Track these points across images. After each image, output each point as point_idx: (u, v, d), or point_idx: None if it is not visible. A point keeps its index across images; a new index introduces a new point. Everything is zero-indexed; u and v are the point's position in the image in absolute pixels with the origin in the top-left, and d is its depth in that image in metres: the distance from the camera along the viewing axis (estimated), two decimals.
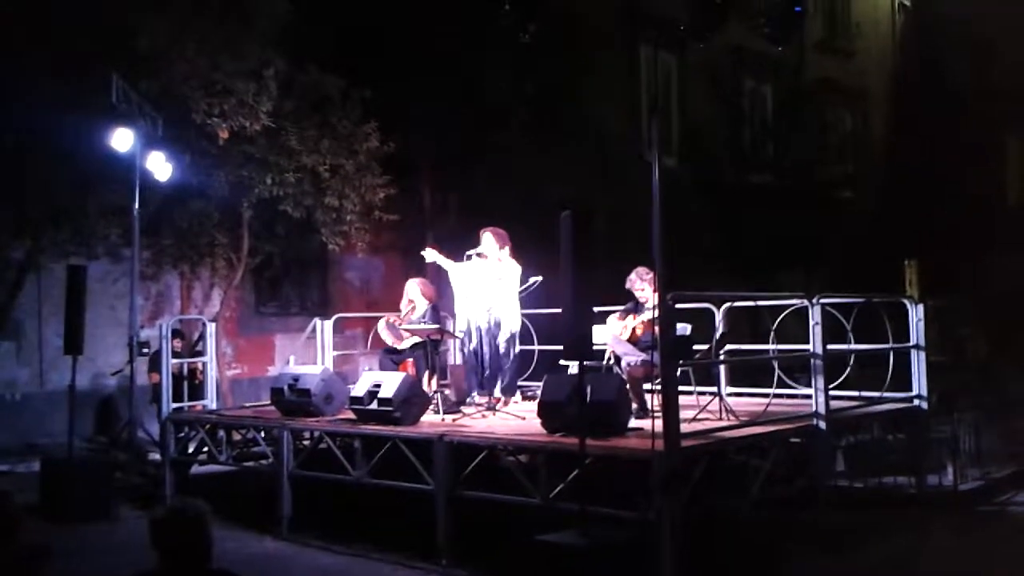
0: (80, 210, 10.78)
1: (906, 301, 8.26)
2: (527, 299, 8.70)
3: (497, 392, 8.41)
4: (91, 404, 11.83)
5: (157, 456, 9.59)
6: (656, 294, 6.81)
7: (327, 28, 12.03)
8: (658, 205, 5.74)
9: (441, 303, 9.25)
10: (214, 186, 10.95)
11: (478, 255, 8.54)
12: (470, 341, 8.54)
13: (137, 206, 9.74)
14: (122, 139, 9.48)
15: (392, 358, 9.10)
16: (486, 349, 8.43)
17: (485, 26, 12.49)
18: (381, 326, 9.12)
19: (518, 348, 8.69)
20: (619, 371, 7.64)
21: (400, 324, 8.97)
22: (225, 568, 3.27)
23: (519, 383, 8.86)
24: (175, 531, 3.14)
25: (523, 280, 8.63)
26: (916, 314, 8.04)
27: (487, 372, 8.40)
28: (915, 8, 23.44)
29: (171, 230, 11.68)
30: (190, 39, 10.13)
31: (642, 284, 7.72)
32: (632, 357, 7.57)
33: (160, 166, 9.90)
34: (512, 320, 8.55)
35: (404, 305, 9.13)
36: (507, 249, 8.54)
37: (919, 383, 8.00)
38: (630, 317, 7.79)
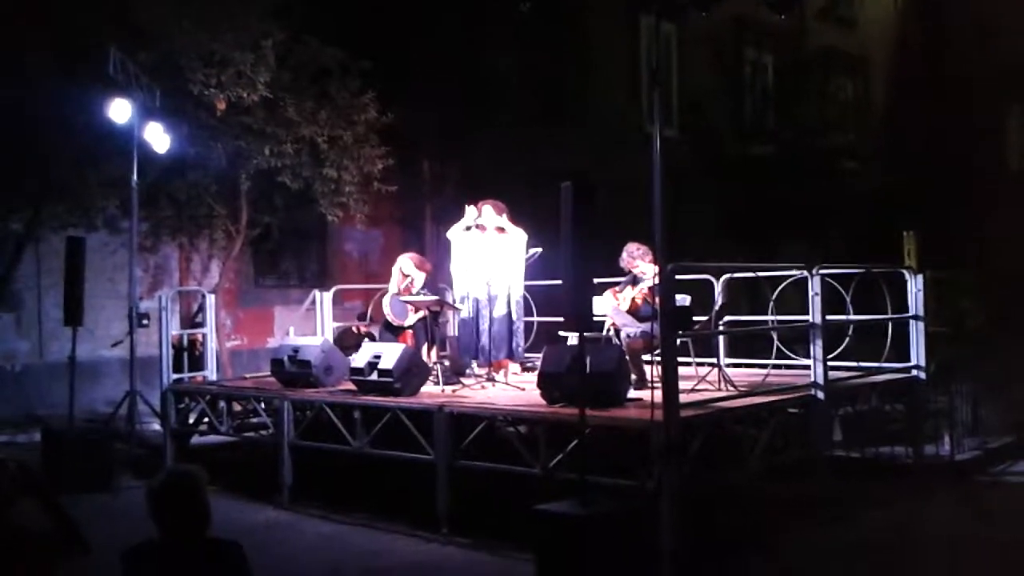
0: (79, 182, 10.74)
1: (905, 272, 8.25)
2: (527, 271, 8.69)
3: (511, 356, 8.41)
4: (91, 375, 11.85)
5: (157, 427, 9.64)
6: (655, 265, 6.82)
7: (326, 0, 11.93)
8: (658, 176, 5.72)
9: (439, 275, 9.24)
10: (212, 157, 10.91)
11: (477, 227, 8.53)
12: (465, 312, 8.53)
13: (135, 177, 9.70)
14: (120, 110, 9.42)
15: (392, 332, 9.10)
16: (482, 321, 8.43)
17: None
18: (385, 301, 9.08)
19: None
20: (619, 342, 7.65)
21: (400, 297, 8.93)
22: (224, 537, 3.27)
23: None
24: (172, 499, 3.13)
25: (524, 250, 8.62)
26: (915, 284, 8.03)
27: (482, 342, 8.40)
28: None
29: (169, 201, 11.65)
30: (188, 13, 10.06)
31: (634, 260, 7.72)
32: (632, 328, 7.58)
33: (158, 137, 9.85)
34: (518, 287, 8.55)
35: (398, 282, 9.05)
36: (506, 217, 8.52)
37: (917, 354, 8.01)
38: (628, 288, 7.79)
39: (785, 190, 16.39)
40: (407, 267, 9.02)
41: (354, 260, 14.77)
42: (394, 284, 9.03)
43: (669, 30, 17.27)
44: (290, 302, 13.67)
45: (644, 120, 15.61)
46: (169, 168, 10.88)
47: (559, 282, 6.18)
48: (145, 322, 9.98)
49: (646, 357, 7.42)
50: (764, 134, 18.66)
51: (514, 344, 8.52)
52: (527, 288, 8.88)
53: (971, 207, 17.91)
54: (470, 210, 8.60)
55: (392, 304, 8.90)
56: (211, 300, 9.73)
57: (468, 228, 8.53)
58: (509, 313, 8.48)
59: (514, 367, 8.80)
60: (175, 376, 9.21)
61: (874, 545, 6.40)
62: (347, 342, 10.31)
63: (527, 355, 8.94)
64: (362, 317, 11.60)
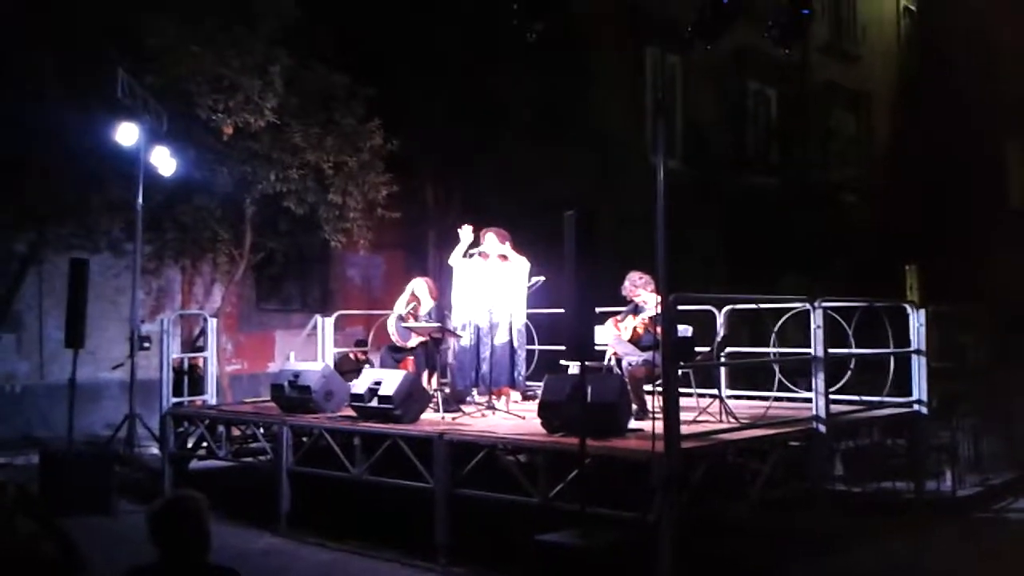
0: (83, 204, 10.80)
1: (907, 306, 8.26)
2: (529, 299, 8.70)
3: (512, 384, 8.42)
4: (91, 398, 11.83)
5: (156, 450, 9.60)
6: (657, 295, 6.83)
7: (333, 26, 12.03)
8: (661, 206, 5.75)
9: (442, 302, 9.26)
10: (217, 182, 10.97)
11: (479, 254, 8.54)
12: (466, 339, 8.52)
13: (140, 200, 9.74)
14: (127, 134, 9.50)
15: (394, 355, 9.11)
16: (483, 348, 8.42)
17: (490, 25, 12.48)
18: (391, 322, 9.10)
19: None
20: (620, 372, 7.64)
21: (406, 322, 8.95)
22: (224, 564, 3.26)
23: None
24: (173, 524, 3.13)
25: (527, 278, 8.63)
26: (917, 319, 8.03)
27: (482, 370, 8.39)
28: (920, 13, 23.42)
29: (174, 225, 11.68)
30: (196, 39, 10.16)
31: (636, 288, 7.73)
32: (633, 357, 7.58)
33: (164, 161, 9.91)
34: (520, 315, 8.56)
35: (405, 303, 9.10)
36: (509, 245, 8.54)
37: (919, 388, 8.00)
38: (629, 318, 7.79)
39: (787, 222, 16.43)
40: (420, 290, 9.04)
41: (357, 286, 14.80)
42: (401, 305, 9.04)
43: (674, 61, 17.40)
44: (292, 327, 13.68)
45: (648, 150, 15.69)
46: (174, 192, 10.94)
47: (561, 310, 6.19)
48: (146, 345, 9.99)
49: (647, 387, 7.41)
50: (767, 166, 18.74)
51: (515, 372, 8.52)
52: (529, 316, 8.88)
53: (972, 242, 17.96)
54: (465, 232, 8.62)
55: (397, 326, 8.94)
56: (213, 324, 9.73)
57: (470, 255, 8.54)
58: (511, 341, 8.47)
59: (515, 395, 8.78)
60: (175, 400, 9.19)
61: None
62: (345, 367, 10.32)
63: (528, 383, 8.93)
64: (360, 343, 11.62)
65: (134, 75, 9.40)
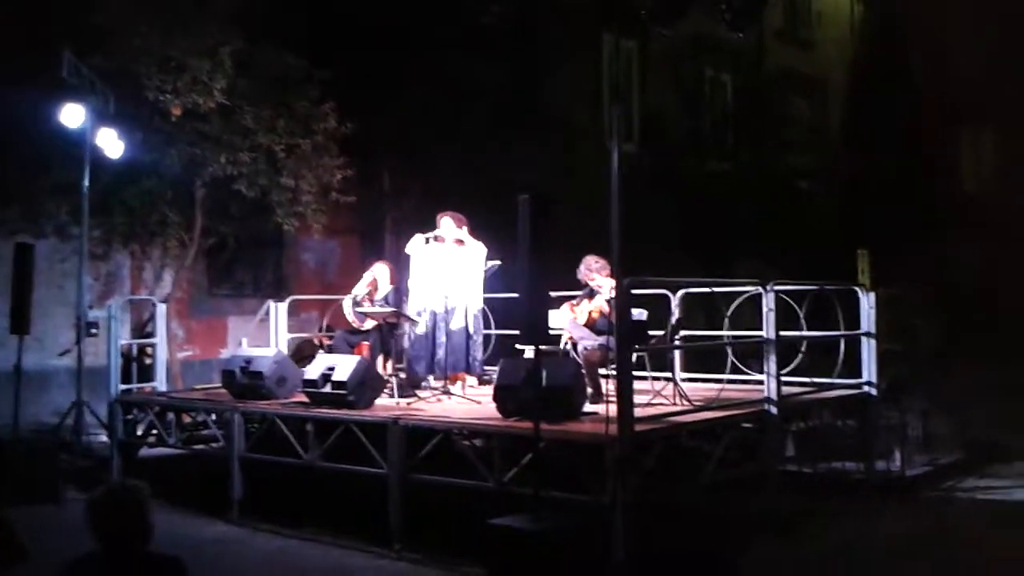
0: (28, 187, 10.52)
1: (858, 289, 8.36)
2: (485, 284, 8.66)
3: (468, 369, 8.39)
4: (39, 385, 11.57)
5: (105, 438, 9.43)
6: (612, 279, 6.83)
7: (287, 8, 11.83)
8: (616, 191, 5.73)
9: (400, 287, 9.20)
10: (166, 164, 10.73)
11: (435, 239, 8.49)
12: (422, 325, 8.48)
13: (87, 183, 9.52)
14: (72, 115, 9.26)
15: (348, 340, 9.04)
16: (439, 333, 8.38)
17: (449, 9, 12.39)
18: (347, 305, 9.03)
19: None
20: (575, 356, 7.64)
21: (361, 306, 8.88)
22: (166, 552, 3.19)
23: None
24: (113, 513, 3.05)
25: (483, 263, 8.59)
26: (868, 302, 8.14)
27: (438, 355, 8.35)
28: None
29: (122, 208, 11.42)
30: (144, 18, 9.91)
31: (591, 273, 7.72)
32: (588, 341, 7.58)
33: (111, 143, 9.68)
34: (476, 300, 8.52)
35: (364, 286, 9.02)
36: (466, 230, 8.50)
37: (869, 370, 8.11)
38: (585, 302, 7.79)
39: (742, 207, 16.55)
40: (381, 276, 9.00)
41: (311, 271, 14.63)
42: (360, 287, 8.98)
43: (630, 47, 17.43)
44: (245, 312, 13.48)
45: (605, 135, 15.69)
46: (122, 174, 10.68)
47: (517, 295, 6.16)
48: (94, 331, 9.79)
49: (602, 371, 7.43)
50: (722, 151, 18.86)
51: (471, 358, 8.49)
52: (486, 301, 8.85)
53: (925, 228, 18.24)
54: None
55: (353, 309, 8.88)
56: (162, 310, 9.55)
57: (425, 241, 8.48)
58: (466, 326, 8.44)
59: (471, 380, 8.75)
60: (123, 387, 9.03)
61: (825, 559, 6.44)
62: (306, 352, 10.21)
63: (485, 368, 8.91)
64: (329, 329, 11.50)
65: (80, 55, 9.15)
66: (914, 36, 20.67)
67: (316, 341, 11.12)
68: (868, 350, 8.10)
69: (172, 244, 12.15)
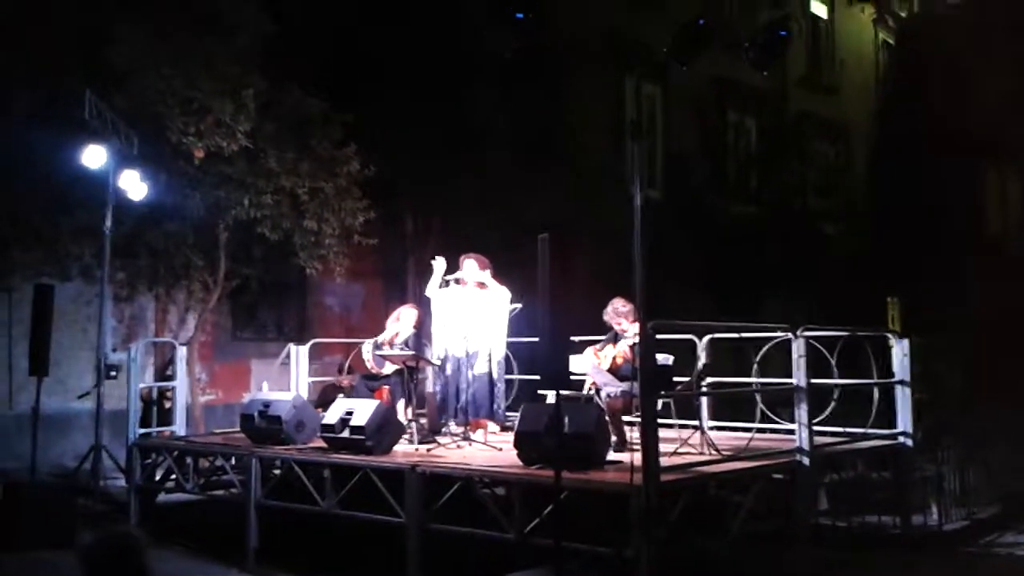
0: (51, 229, 10.55)
1: (890, 336, 8.13)
2: (509, 328, 8.52)
3: (491, 416, 8.22)
4: (61, 428, 11.51)
5: (124, 483, 9.32)
6: (637, 324, 6.67)
7: (309, 50, 11.91)
8: (639, 233, 5.61)
9: (422, 331, 9.09)
10: (190, 207, 10.75)
11: (456, 281, 8.38)
12: (444, 370, 8.35)
13: (109, 225, 9.54)
14: (94, 156, 9.29)
15: (368, 384, 8.91)
16: (461, 379, 8.24)
17: (469, 49, 12.42)
18: (366, 350, 8.91)
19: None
20: (599, 402, 7.46)
21: (382, 350, 8.75)
22: None
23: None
24: (107, 563, 2.88)
25: (507, 308, 8.47)
26: (901, 349, 7.90)
27: (461, 401, 8.20)
28: (898, 45, 23.66)
29: (146, 251, 11.45)
30: (166, 53, 9.97)
31: (619, 317, 7.57)
32: (612, 388, 7.40)
33: (134, 185, 9.71)
34: (500, 345, 8.38)
35: (390, 327, 8.91)
36: (489, 273, 8.39)
37: (904, 420, 7.85)
38: (609, 347, 7.63)
39: (767, 251, 16.38)
40: (406, 318, 8.87)
41: (335, 314, 14.57)
42: (387, 332, 8.87)
43: (653, 91, 17.44)
44: (268, 356, 13.41)
45: (628, 179, 15.62)
46: (145, 217, 10.72)
47: (538, 339, 6.02)
48: (113, 374, 9.72)
49: (627, 418, 7.24)
50: (746, 195, 18.75)
51: (495, 404, 8.33)
52: (509, 346, 8.70)
53: (949, 271, 17.98)
54: (438, 264, 8.47)
55: (372, 353, 8.75)
56: (182, 352, 9.48)
57: (446, 283, 8.37)
58: (490, 372, 8.29)
59: (493, 427, 8.57)
60: (142, 431, 8.93)
61: None
62: (330, 396, 10.07)
63: (508, 414, 8.73)
64: (342, 370, 11.38)
65: (101, 96, 9.20)
66: (936, 78, 20.58)
67: (338, 384, 11.00)
68: (902, 399, 7.84)
69: (196, 287, 12.15)
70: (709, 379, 8.21)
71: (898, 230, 18.97)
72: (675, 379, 7.52)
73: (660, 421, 5.88)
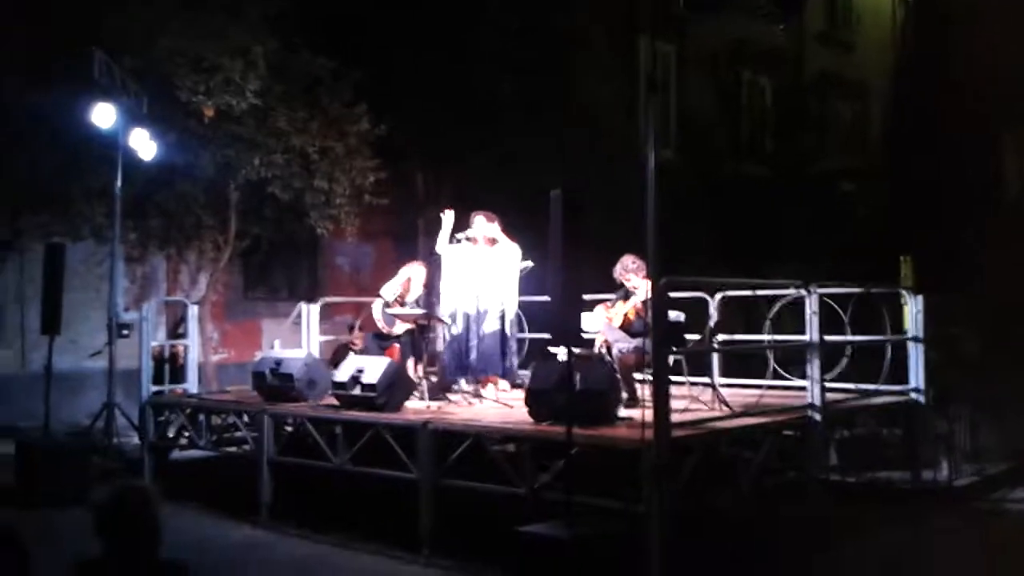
0: (63, 189, 10.55)
1: (904, 292, 8.07)
2: (519, 286, 8.49)
3: (502, 373, 8.22)
4: (74, 387, 11.61)
5: (137, 441, 9.40)
6: (647, 280, 6.63)
7: (319, 9, 11.79)
8: (652, 191, 5.54)
9: (432, 289, 9.07)
10: (200, 167, 10.72)
11: (468, 239, 8.34)
12: (454, 327, 8.33)
13: (120, 184, 9.51)
14: (104, 115, 9.24)
15: (380, 343, 8.93)
16: (471, 336, 8.23)
17: (479, 8, 12.28)
18: (376, 308, 8.90)
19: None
20: (610, 359, 7.45)
21: (391, 308, 8.75)
22: (176, 558, 3.04)
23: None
24: (119, 517, 2.90)
25: (518, 265, 8.43)
26: (915, 306, 7.85)
27: (472, 358, 8.19)
28: (915, 1, 23.26)
29: (157, 211, 11.45)
30: (176, 18, 9.91)
31: (628, 273, 7.52)
32: (623, 344, 7.38)
33: (144, 144, 9.67)
34: (511, 302, 8.36)
35: (397, 286, 8.90)
36: (498, 227, 8.34)
37: (917, 376, 7.82)
38: (620, 303, 7.59)
39: (781, 211, 16.25)
40: (416, 277, 8.85)
41: (345, 274, 14.58)
42: (390, 289, 8.84)
43: (667, 50, 17.23)
44: (279, 315, 13.45)
45: (640, 139, 15.48)
46: (156, 177, 10.70)
47: (549, 299, 5.99)
48: (125, 332, 9.76)
49: (638, 375, 7.22)
50: (761, 155, 18.58)
51: (506, 361, 8.32)
52: (520, 304, 8.68)
53: (967, 232, 17.80)
54: (447, 216, 8.42)
55: (383, 312, 8.75)
56: (193, 311, 9.50)
57: (457, 240, 8.34)
58: (502, 329, 8.27)
59: (504, 384, 8.58)
60: (155, 388, 8.98)
61: (870, 569, 6.19)
62: (342, 355, 10.09)
63: (519, 372, 8.73)
64: (353, 329, 11.39)
65: (111, 55, 9.13)
66: (956, 37, 20.23)
67: (350, 344, 11.02)
68: (916, 356, 7.81)
69: (207, 247, 12.17)
70: (721, 336, 8.18)
71: (915, 191, 18.77)
72: (687, 335, 7.50)
73: (671, 378, 5.86)
